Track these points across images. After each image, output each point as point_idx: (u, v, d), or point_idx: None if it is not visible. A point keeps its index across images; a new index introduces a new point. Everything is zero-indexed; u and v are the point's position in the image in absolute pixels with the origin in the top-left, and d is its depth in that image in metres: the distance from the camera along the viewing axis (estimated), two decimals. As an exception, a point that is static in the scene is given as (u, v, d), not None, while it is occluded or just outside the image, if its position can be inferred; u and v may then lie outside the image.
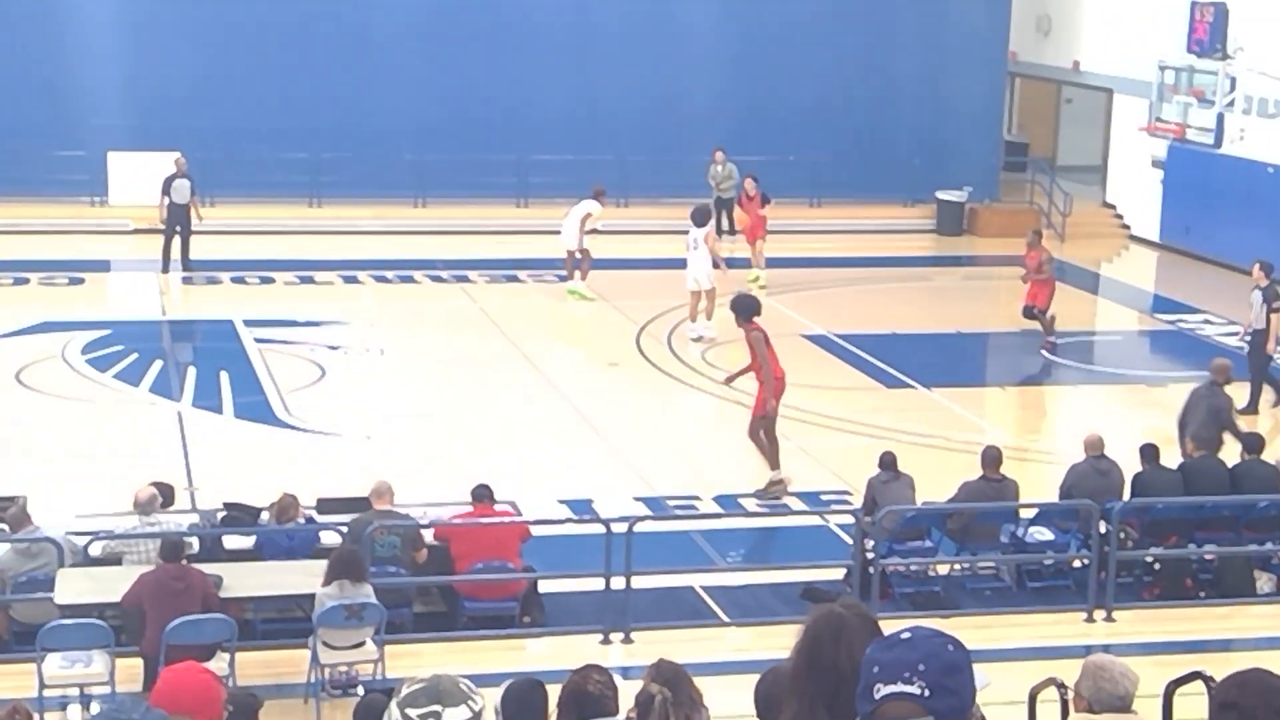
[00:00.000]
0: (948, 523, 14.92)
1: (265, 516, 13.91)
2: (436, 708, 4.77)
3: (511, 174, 32.03)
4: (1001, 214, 33.77)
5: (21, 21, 31.09)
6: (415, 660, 12.46)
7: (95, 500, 15.36)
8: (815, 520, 16.39)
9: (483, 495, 14.01)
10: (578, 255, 26.06)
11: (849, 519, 15.02)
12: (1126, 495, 14.92)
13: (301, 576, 12.56)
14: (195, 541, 13.30)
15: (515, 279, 27.51)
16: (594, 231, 26.31)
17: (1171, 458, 15.82)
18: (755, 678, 6.17)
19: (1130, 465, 15.18)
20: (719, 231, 31.44)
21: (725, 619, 14.06)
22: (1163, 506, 14.98)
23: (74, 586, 12.35)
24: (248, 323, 23.85)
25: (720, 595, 14.43)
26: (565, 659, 10.99)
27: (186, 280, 26.96)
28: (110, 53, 31.63)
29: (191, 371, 21.27)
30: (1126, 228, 33.97)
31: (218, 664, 11.55)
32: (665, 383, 21.67)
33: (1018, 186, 35.56)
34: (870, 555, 14.17)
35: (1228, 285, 27.22)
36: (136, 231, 29.73)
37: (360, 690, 12.00)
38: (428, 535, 13.81)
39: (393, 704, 4.78)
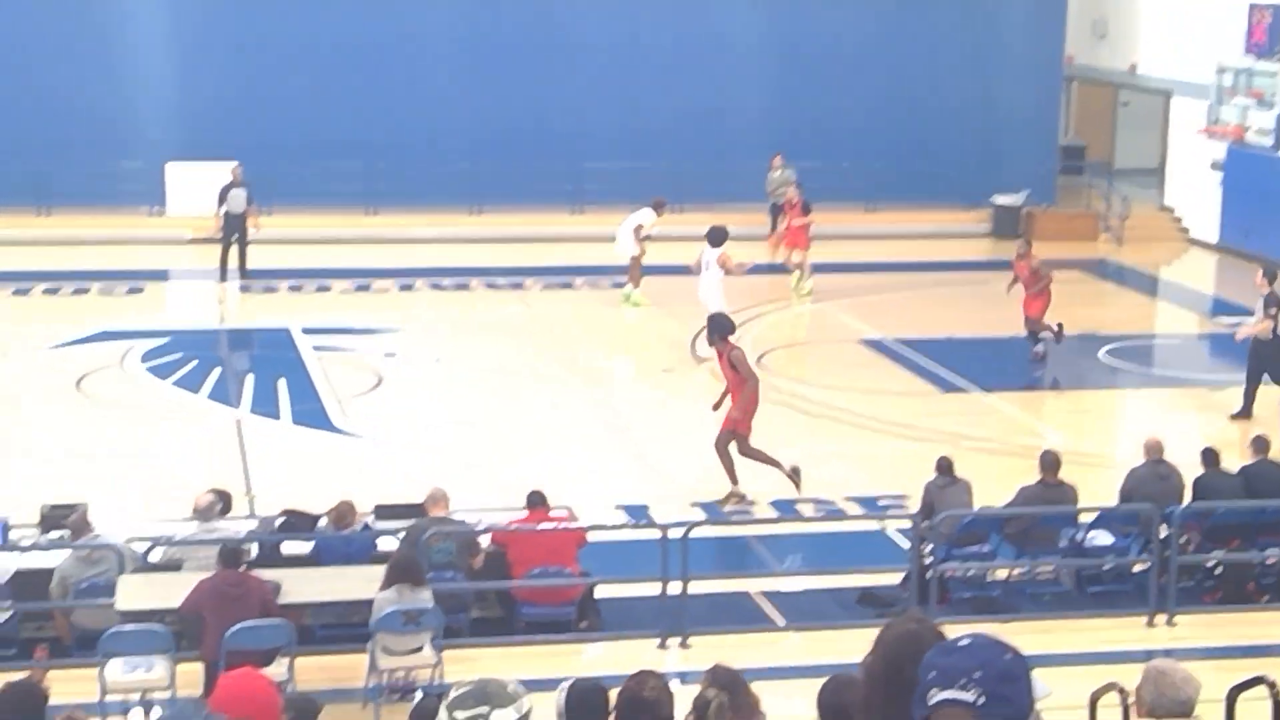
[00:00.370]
0: (1006, 527, 14.83)
1: (323, 523, 13.97)
2: (484, 709, 4.80)
3: (566, 181, 32.08)
4: (1058, 218, 33.59)
5: (80, 35, 31.39)
6: (473, 665, 12.48)
7: (155, 507, 15.48)
8: (872, 525, 16.33)
9: (538, 501, 14.04)
10: (621, 261, 26.20)
11: (906, 523, 14.95)
12: (1187, 499, 14.79)
13: (359, 582, 12.60)
14: (254, 547, 13.37)
15: (569, 286, 27.55)
16: (649, 239, 26.30)
17: (1232, 461, 15.67)
18: (812, 683, 6.14)
19: (1190, 469, 15.05)
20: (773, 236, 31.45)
21: (782, 624, 14.02)
22: (1224, 510, 14.83)
23: (134, 592, 12.44)
24: (305, 330, 24.00)
25: (777, 600, 14.39)
26: (622, 664, 10.97)
27: (244, 289, 27.14)
28: (168, 65, 31.90)
29: (250, 379, 21.41)
30: (1185, 231, 33.68)
31: (277, 669, 11.61)
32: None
33: (1075, 190, 35.35)
34: (928, 560, 14.10)
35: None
36: (194, 241, 29.97)
37: (418, 695, 12.03)
38: (484, 541, 13.84)
39: (442, 706, 4.81)
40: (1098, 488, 16.29)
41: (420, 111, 32.41)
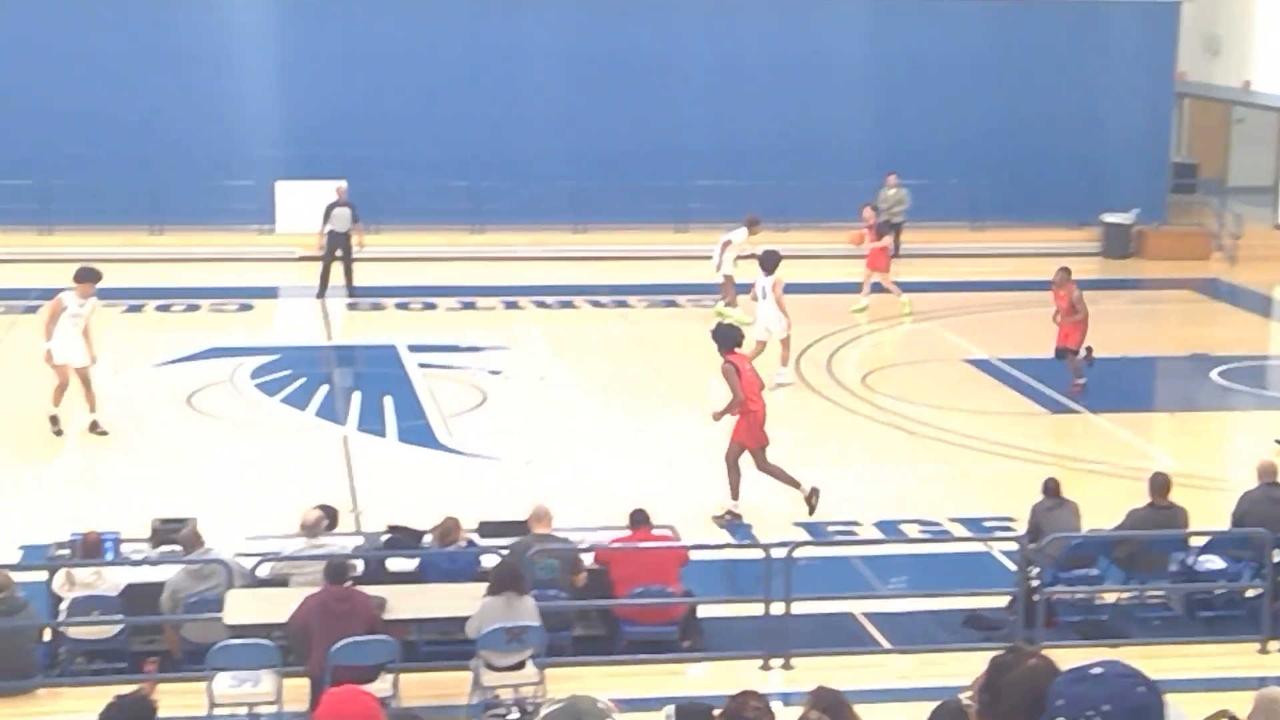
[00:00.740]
0: (1115, 550, 14.63)
1: (428, 539, 14.05)
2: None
3: (669, 200, 32.12)
4: (1170, 237, 33.16)
5: (191, 57, 31.88)
6: (575, 684, 12.46)
7: (263, 522, 15.65)
8: (978, 547, 16.16)
9: (641, 520, 14.04)
10: (719, 280, 26.21)
11: (1013, 546, 14.78)
12: (1301, 524, 14.50)
13: (464, 599, 12.64)
14: (360, 564, 13.47)
15: (673, 304, 27.57)
16: (748, 257, 26.20)
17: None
18: (916, 706, 6.09)
19: (1305, 493, 14.75)
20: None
21: (887, 646, 13.91)
22: (1340, 535, 14.53)
23: (242, 607, 12.57)
24: (411, 348, 24.18)
25: (881, 622, 14.28)
26: (724, 684, 10.96)
27: (351, 306, 27.40)
28: (277, 85, 32.35)
29: (356, 396, 21.59)
30: (1299, 250, 33.14)
31: (381, 685, 11.68)
32: (824, 407, 21.55)
33: (1187, 209, 34.89)
34: (1035, 583, 13.93)
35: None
36: (303, 259, 30.31)
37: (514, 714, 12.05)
38: (587, 559, 13.85)
39: (535, 725, 4.82)
40: (1209, 511, 16.00)
41: (525, 130, 32.59)
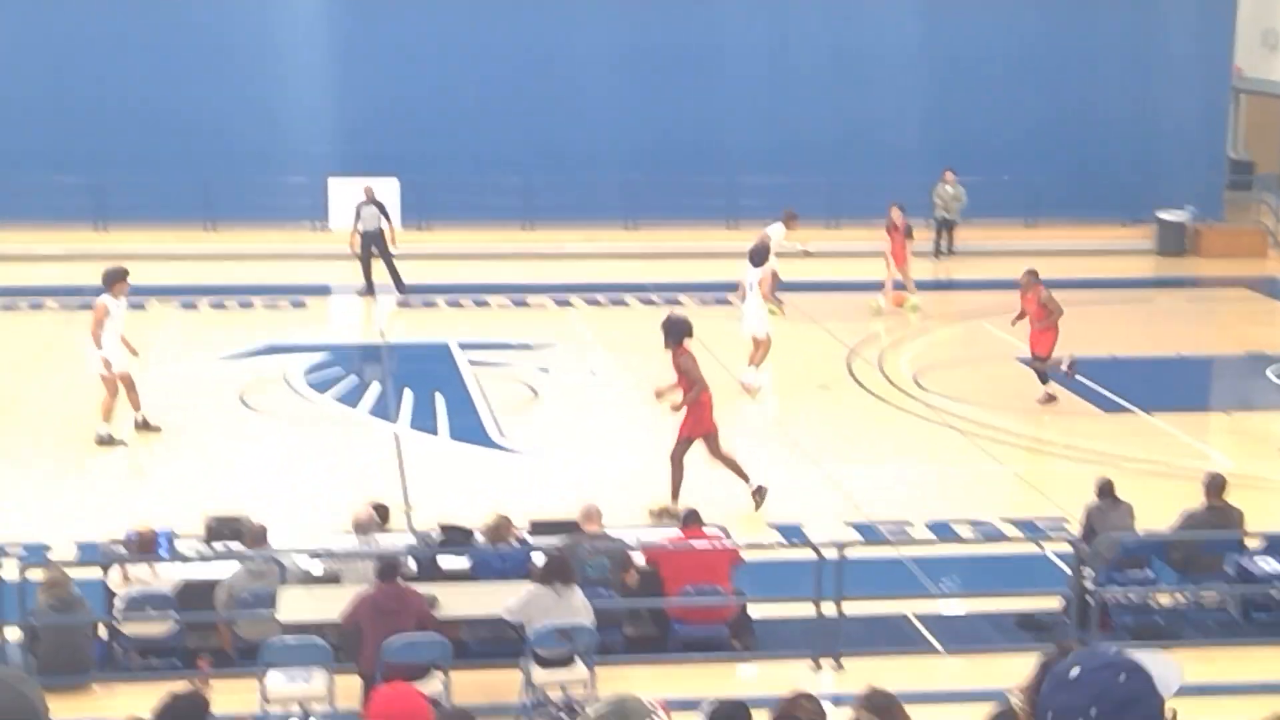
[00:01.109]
0: (1170, 552, 14.51)
1: (479, 537, 14.08)
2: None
3: (721, 196, 32.09)
4: (1226, 234, 32.90)
5: (243, 52, 32.07)
6: (626, 683, 12.48)
7: (315, 520, 15.72)
8: (1031, 548, 16.07)
9: (692, 519, 14.03)
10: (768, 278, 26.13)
11: (1066, 547, 14.70)
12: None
13: (514, 597, 12.66)
14: (411, 562, 13.51)
15: (725, 301, 27.49)
16: (783, 255, 26.13)
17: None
18: (969, 708, 6.06)
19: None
20: (937, 253, 31.23)
21: (939, 647, 13.85)
22: (1399, 537, 14.39)
23: (295, 604, 12.63)
24: (462, 345, 24.24)
25: (934, 623, 14.23)
26: (776, 684, 10.93)
27: (402, 304, 27.47)
28: (330, 82, 32.53)
29: (408, 393, 21.65)
30: (1358, 247, 32.83)
31: (432, 683, 11.72)
32: (877, 406, 21.47)
33: (1243, 206, 34.59)
34: (1089, 584, 13.85)
35: None
36: (356, 256, 30.40)
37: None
38: (638, 558, 13.85)
39: (581, 724, 4.82)
40: (1265, 512, 15.89)
41: (577, 126, 32.63)
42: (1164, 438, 20.11)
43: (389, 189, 30.85)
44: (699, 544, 13.88)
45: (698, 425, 16.73)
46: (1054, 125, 33.56)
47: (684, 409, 16.78)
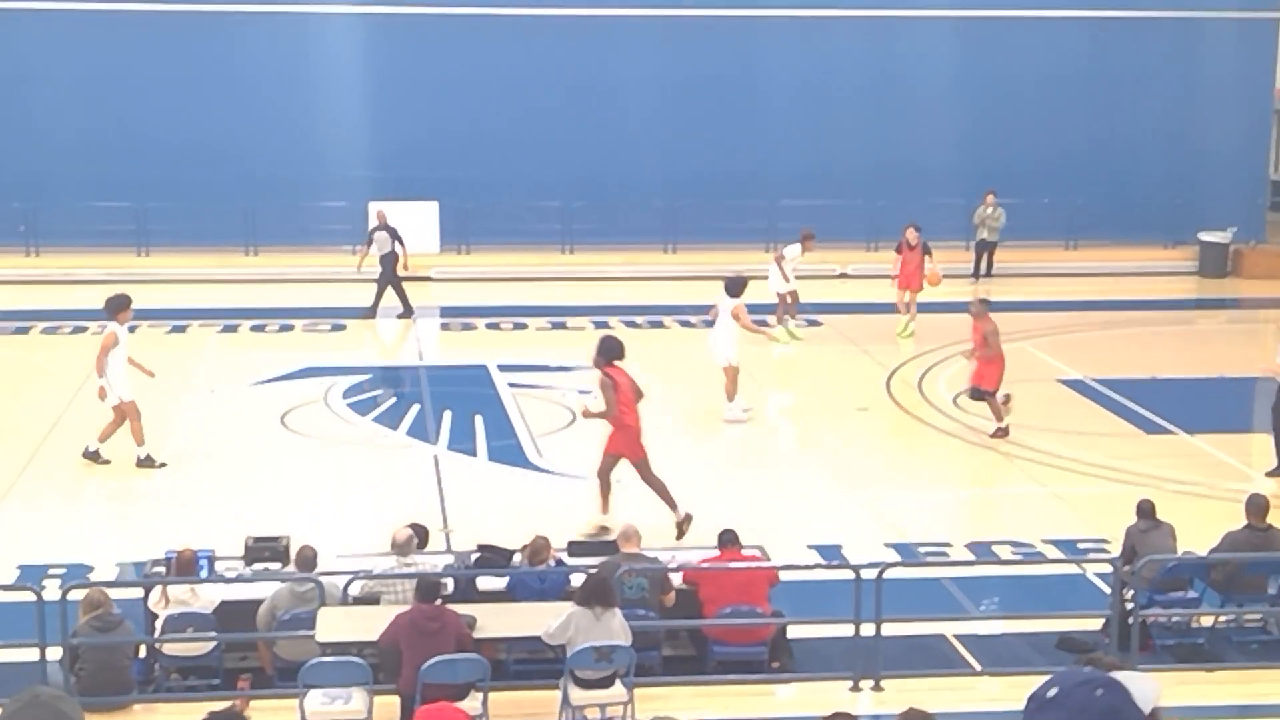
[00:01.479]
0: (1211, 573, 14.42)
1: (518, 558, 14.09)
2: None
3: (760, 219, 32.10)
4: (1269, 255, 32.73)
5: (283, 79, 32.29)
6: (664, 704, 12.46)
7: (354, 540, 15.76)
8: (1072, 569, 15.99)
9: (730, 540, 14.01)
10: (787, 298, 26.09)
11: (1107, 568, 14.61)
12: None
13: (555, 617, 12.66)
14: (450, 582, 13.53)
15: (764, 322, 27.47)
16: (802, 276, 26.11)
17: None
18: (1009, 729, 6.00)
19: None
20: (977, 275, 31.16)
21: (978, 668, 13.78)
22: None
23: (334, 625, 12.66)
24: (501, 367, 24.29)
25: (973, 644, 14.16)
26: (814, 705, 10.91)
27: (444, 326, 27.55)
28: (369, 107, 32.70)
29: (447, 415, 21.70)
30: (1403, 268, 32.59)
31: (471, 704, 11.72)
32: (916, 427, 21.41)
33: (1286, 227, 34.42)
34: (1130, 606, 13.76)
35: None
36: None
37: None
38: (676, 579, 13.84)
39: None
40: (1309, 534, 15.73)
41: (616, 151, 32.72)
42: (1205, 459, 19.98)
43: (428, 213, 31.03)
44: (737, 565, 13.86)
45: (625, 445, 16.76)
46: (1095, 147, 33.46)
47: (613, 426, 16.79)
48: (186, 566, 13.48)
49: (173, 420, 21.10)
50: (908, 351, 25.16)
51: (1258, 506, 14.44)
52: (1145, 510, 14.51)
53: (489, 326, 27.78)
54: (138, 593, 13.74)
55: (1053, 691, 3.54)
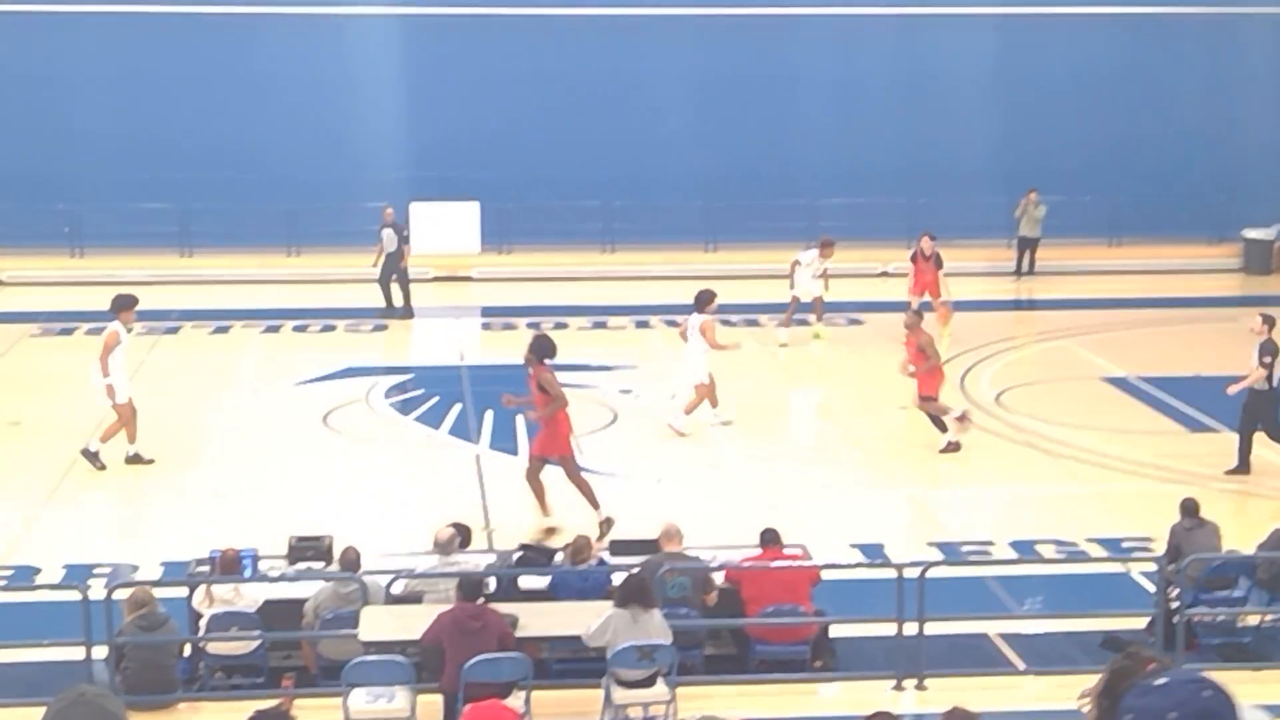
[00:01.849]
0: (1258, 572, 14.32)
1: (559, 557, 14.11)
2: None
3: (800, 218, 32.03)
4: (1313, 251, 32.46)
5: (323, 81, 32.42)
6: (706, 702, 12.46)
7: (397, 540, 15.80)
8: (1116, 567, 15.91)
9: (772, 539, 13.99)
10: (803, 300, 25.92)
11: (1151, 567, 14.53)
12: None
13: (595, 617, 12.67)
14: (492, 581, 13.55)
15: (804, 323, 27.44)
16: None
17: None
18: (1053, 728, 5.98)
19: None
20: (1018, 273, 31.04)
21: (1022, 667, 13.72)
22: None
23: (377, 624, 12.70)
24: (543, 367, 24.27)
25: (1017, 643, 14.10)
26: (857, 705, 10.88)
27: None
28: (409, 109, 32.81)
29: (489, 415, 21.73)
30: None
31: (514, 703, 11.74)
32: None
33: (1331, 223, 34.12)
34: (1174, 605, 13.68)
35: None
36: (437, 279, 30.67)
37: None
38: (718, 578, 13.82)
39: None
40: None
41: (655, 150, 32.72)
42: (1250, 457, 19.81)
43: (469, 213, 31.09)
44: (779, 563, 13.84)
45: (550, 444, 16.79)
46: (1137, 144, 33.28)
47: (540, 425, 16.91)
48: (230, 566, 13.55)
49: (214, 420, 21.22)
50: (949, 350, 25.05)
51: (1304, 504, 14.34)
52: (1190, 508, 14.43)
53: (530, 326, 27.77)
54: (182, 592, 13.81)
55: (1163, 680, 3.64)
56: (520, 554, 14.42)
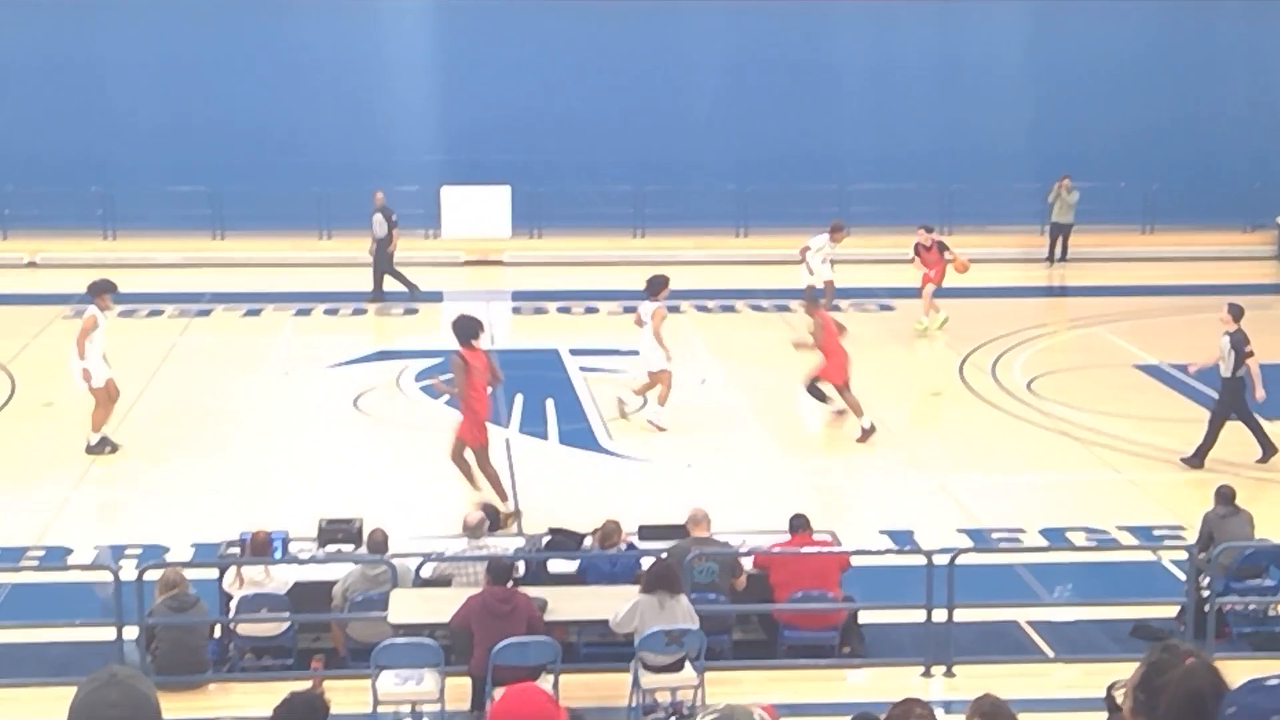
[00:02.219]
0: (1290, 561, 14.24)
1: (589, 542, 14.12)
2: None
3: (831, 204, 31.92)
4: (1350, 239, 32.25)
5: (355, 65, 32.46)
6: (734, 687, 12.46)
7: (426, 523, 15.83)
8: (1147, 555, 15.85)
9: (801, 524, 13.97)
10: (817, 286, 25.74)
11: (1183, 555, 14.47)
12: None
13: (623, 601, 12.67)
14: (521, 565, 13.57)
15: (836, 308, 27.38)
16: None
17: None
18: (1082, 716, 5.96)
19: None
20: (1051, 259, 30.90)
21: (1051, 655, 13.68)
22: None
23: (406, 606, 12.73)
24: (573, 351, 24.32)
25: (1046, 630, 14.05)
26: (886, 691, 10.84)
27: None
28: (441, 93, 32.83)
29: (519, 399, 21.74)
30: None
31: (542, 686, 11.74)
32: (989, 412, 21.27)
33: (1368, 211, 33.89)
34: (1206, 593, 13.62)
35: None
36: (468, 263, 30.69)
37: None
38: (747, 563, 13.81)
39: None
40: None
41: (687, 135, 32.67)
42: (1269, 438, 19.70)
43: (500, 197, 31.10)
44: (808, 549, 13.82)
45: (469, 433, 16.84)
46: (1172, 129, 33.11)
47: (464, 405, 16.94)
48: (261, 548, 13.60)
49: (245, 403, 21.29)
50: (984, 335, 24.95)
51: (1338, 493, 14.26)
52: (1225, 496, 14.35)
53: (560, 310, 27.82)
54: (213, 573, 13.87)
55: (1273, 681, 3.67)
56: (549, 538, 14.43)
